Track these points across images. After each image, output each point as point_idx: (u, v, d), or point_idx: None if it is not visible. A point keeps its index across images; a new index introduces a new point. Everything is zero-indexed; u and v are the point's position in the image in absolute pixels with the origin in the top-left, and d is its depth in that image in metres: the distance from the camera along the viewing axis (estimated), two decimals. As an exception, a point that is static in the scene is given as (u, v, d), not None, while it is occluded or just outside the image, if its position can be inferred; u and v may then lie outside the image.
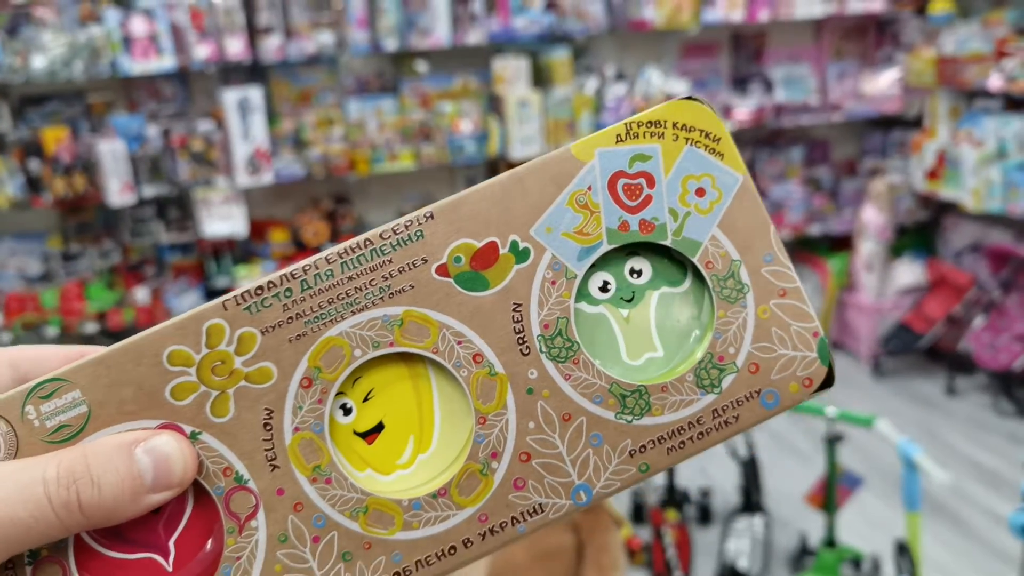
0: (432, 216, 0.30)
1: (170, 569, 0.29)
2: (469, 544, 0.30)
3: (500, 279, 0.30)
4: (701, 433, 0.30)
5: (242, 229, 2.93)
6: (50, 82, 2.84)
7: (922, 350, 3.19)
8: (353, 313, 0.30)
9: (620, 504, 2.24)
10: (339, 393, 0.30)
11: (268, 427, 0.29)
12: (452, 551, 0.30)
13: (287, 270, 0.30)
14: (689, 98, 0.31)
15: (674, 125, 0.31)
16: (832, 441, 1.97)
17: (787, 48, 3.56)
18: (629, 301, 0.32)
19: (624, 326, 0.32)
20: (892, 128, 3.59)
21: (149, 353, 0.29)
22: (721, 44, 3.51)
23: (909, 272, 3.29)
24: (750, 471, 2.25)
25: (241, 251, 3.13)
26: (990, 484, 2.44)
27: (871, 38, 3.59)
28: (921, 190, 3.28)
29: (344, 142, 3.01)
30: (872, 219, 3.29)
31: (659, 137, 0.31)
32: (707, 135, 0.31)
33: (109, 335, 3.08)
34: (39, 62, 2.72)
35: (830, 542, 2.04)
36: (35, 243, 3.03)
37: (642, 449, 0.30)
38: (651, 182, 0.31)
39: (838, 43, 3.57)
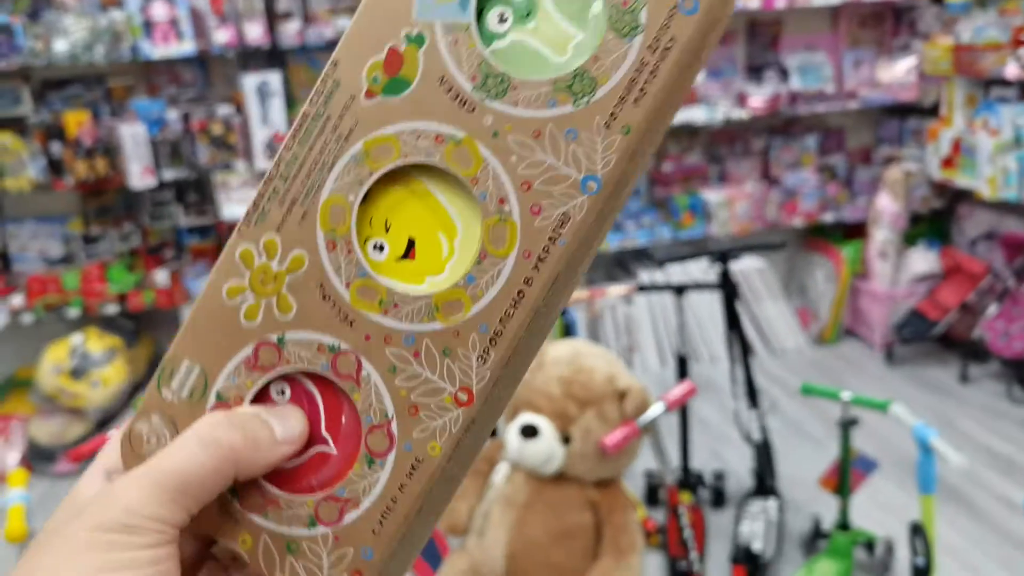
0: (336, 63, 0.34)
1: (335, 452, 0.34)
2: (530, 281, 0.32)
3: (415, 70, 0.33)
4: (652, 72, 0.31)
5: (261, 213, 2.95)
6: (71, 65, 2.87)
7: (935, 338, 3.20)
8: (329, 171, 0.33)
9: (634, 487, 2.27)
10: (367, 240, 0.34)
11: (327, 297, 0.33)
12: (520, 295, 0.32)
13: (265, 177, 0.34)
14: None
15: None
16: (846, 425, 1.99)
17: (803, 36, 3.56)
18: (529, 15, 0.33)
19: (538, 36, 0.33)
20: (908, 116, 3.59)
21: (213, 301, 0.34)
22: (737, 32, 3.52)
23: (923, 260, 3.30)
24: (763, 455, 2.27)
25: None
26: (1003, 470, 2.46)
27: (888, 26, 3.59)
28: (936, 178, 3.28)
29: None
30: (887, 207, 3.30)
31: None
32: None
33: (129, 317, 3.11)
34: (61, 46, 2.74)
35: (843, 525, 2.06)
36: (56, 225, 3.07)
37: (613, 116, 0.31)
38: None
39: (854, 31, 3.57)
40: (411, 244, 0.34)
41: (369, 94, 0.33)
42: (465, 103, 0.32)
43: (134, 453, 0.34)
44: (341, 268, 0.33)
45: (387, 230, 0.34)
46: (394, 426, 0.32)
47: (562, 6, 0.33)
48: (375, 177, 0.33)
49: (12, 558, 1.67)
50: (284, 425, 0.33)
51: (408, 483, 0.32)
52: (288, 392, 0.34)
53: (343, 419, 0.33)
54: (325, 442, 0.34)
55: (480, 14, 0.33)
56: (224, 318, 0.34)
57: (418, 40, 0.33)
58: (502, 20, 0.33)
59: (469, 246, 0.33)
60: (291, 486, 0.33)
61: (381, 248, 0.34)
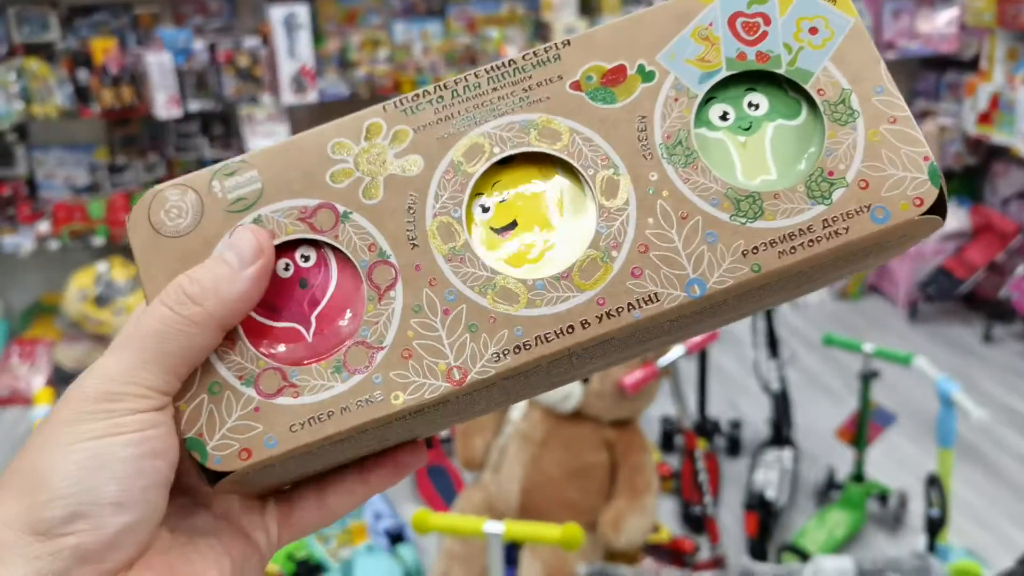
0: (568, 43, 0.34)
1: (309, 340, 0.33)
2: (586, 325, 0.32)
3: (627, 95, 0.33)
4: (811, 240, 0.32)
5: (285, 147, 2.94)
6: (99, -8, 2.85)
7: (960, 296, 3.16)
8: (495, 117, 0.33)
9: (650, 433, 2.27)
10: (479, 194, 0.33)
11: (411, 210, 0.33)
12: (570, 330, 0.31)
13: (440, 83, 0.34)
14: None
15: None
16: (867, 377, 1.98)
17: (842, -17, 3.47)
18: (747, 130, 0.34)
19: (741, 150, 0.34)
20: (946, 69, 3.50)
21: (316, 144, 0.33)
22: (774, -24, 3.43)
23: (953, 217, 3.25)
24: (781, 405, 2.27)
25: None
26: (1022, 430, 2.45)
27: (930, -25, 3.49)
28: (972, 134, 3.21)
29: (389, 63, 3.00)
30: (919, 162, 3.24)
31: None
32: None
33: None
34: (89, -29, 2.72)
35: (858, 477, 2.06)
36: (83, 154, 3.07)
37: (755, 250, 0.32)
38: (767, 21, 0.34)
39: (896, -21, 3.47)
40: (512, 225, 0.33)
41: (575, 86, 0.33)
42: (646, 149, 0.33)
43: (147, 219, 0.33)
44: (442, 197, 0.33)
45: (502, 200, 0.33)
46: (380, 355, 0.32)
47: (777, 145, 0.33)
48: (529, 150, 0.33)
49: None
50: (235, 252, 0.31)
51: (352, 410, 0.31)
52: (313, 259, 0.33)
53: (340, 317, 0.33)
54: (307, 326, 0.33)
55: (708, 100, 0.34)
56: (314, 164, 0.33)
57: (647, 76, 0.33)
58: (723, 117, 0.34)
59: (556, 261, 0.33)
60: (257, 339, 0.32)
61: (486, 209, 0.33)
